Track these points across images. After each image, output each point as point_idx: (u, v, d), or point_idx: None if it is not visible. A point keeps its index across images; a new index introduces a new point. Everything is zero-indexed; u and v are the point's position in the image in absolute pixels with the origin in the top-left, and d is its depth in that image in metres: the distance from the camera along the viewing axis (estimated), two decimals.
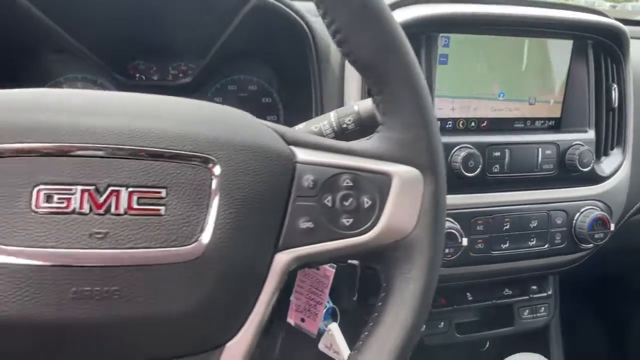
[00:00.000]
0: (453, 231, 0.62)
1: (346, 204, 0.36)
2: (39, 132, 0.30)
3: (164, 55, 0.73)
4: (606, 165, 0.73)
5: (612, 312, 0.93)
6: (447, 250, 0.62)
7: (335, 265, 0.54)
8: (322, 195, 0.35)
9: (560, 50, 0.72)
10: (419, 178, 0.37)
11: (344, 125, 0.49)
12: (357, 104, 0.49)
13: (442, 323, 0.80)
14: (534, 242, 0.69)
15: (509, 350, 0.86)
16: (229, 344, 0.34)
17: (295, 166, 0.35)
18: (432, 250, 0.37)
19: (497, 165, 0.67)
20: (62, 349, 0.31)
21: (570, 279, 0.85)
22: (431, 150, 0.37)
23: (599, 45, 0.71)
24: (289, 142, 0.36)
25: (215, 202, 0.32)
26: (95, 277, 0.29)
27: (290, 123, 0.44)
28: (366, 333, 0.38)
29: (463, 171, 0.62)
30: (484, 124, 0.71)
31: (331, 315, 0.57)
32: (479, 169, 0.64)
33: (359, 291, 0.64)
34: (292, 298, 0.57)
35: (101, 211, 0.30)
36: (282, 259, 0.35)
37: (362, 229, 0.36)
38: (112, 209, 0.30)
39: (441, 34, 0.65)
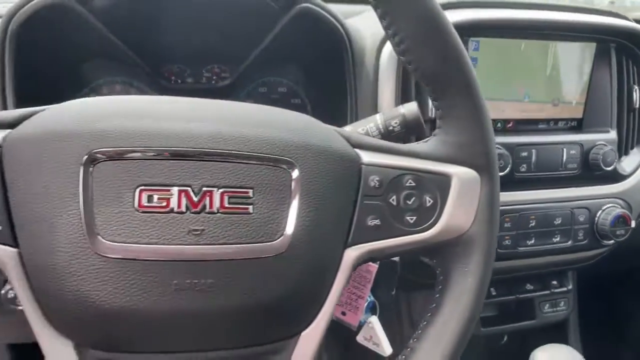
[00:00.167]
0: None
1: (409, 202, 0.38)
2: (141, 137, 0.32)
3: (199, 58, 0.75)
4: (627, 164, 0.76)
5: (627, 306, 0.96)
6: None
7: (378, 262, 0.56)
8: (387, 194, 0.38)
9: (584, 53, 0.74)
10: (476, 178, 0.40)
11: (390, 128, 0.51)
12: (403, 107, 0.52)
13: None
14: (558, 239, 0.72)
15: (527, 343, 0.88)
16: (304, 333, 0.36)
17: (361, 168, 0.38)
18: (489, 246, 0.40)
19: (525, 165, 0.69)
20: (164, 336, 0.33)
21: (587, 275, 0.88)
22: (487, 152, 0.40)
23: (621, 48, 0.74)
24: (354, 145, 0.39)
25: (295, 202, 0.34)
26: (194, 270, 0.32)
27: None
28: (425, 322, 0.40)
29: None
30: (510, 125, 0.74)
31: (370, 309, 0.59)
32: (508, 169, 0.67)
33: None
34: None
35: (197, 210, 0.32)
36: (351, 254, 0.37)
37: (425, 226, 0.39)
38: (207, 208, 0.32)
39: (471, 39, 0.67)
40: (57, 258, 0.31)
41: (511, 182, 0.69)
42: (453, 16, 0.65)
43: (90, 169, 0.32)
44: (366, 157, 0.38)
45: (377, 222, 0.38)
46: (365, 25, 0.68)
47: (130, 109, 0.34)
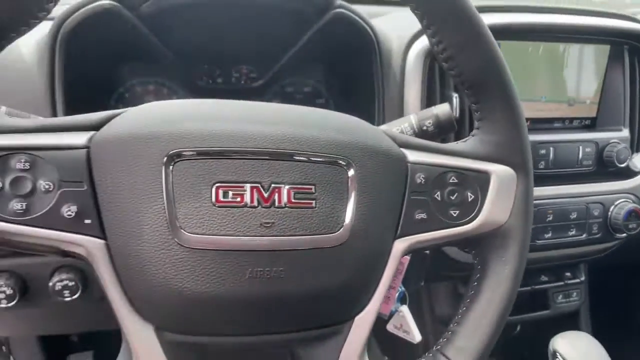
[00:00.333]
0: None
1: (453, 198, 0.42)
2: (216, 138, 0.35)
3: (229, 59, 0.78)
4: (638, 160, 0.80)
5: (636, 297, 1.00)
6: None
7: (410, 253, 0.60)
8: (432, 190, 0.41)
9: (598, 55, 0.78)
10: (512, 176, 0.43)
11: (424, 128, 0.55)
12: (436, 108, 0.55)
13: None
14: (573, 232, 0.76)
15: (540, 333, 0.92)
16: (358, 317, 0.40)
17: (407, 166, 0.41)
18: (524, 237, 0.43)
19: (543, 162, 0.73)
20: (236, 320, 0.36)
21: (598, 267, 0.92)
22: (523, 152, 0.43)
23: (634, 50, 0.77)
24: (400, 145, 0.42)
25: (352, 197, 0.38)
26: (266, 259, 0.35)
27: None
28: (464, 308, 0.44)
29: None
30: (527, 124, 0.77)
31: (400, 299, 0.63)
32: None
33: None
34: None
35: (267, 204, 0.35)
36: (400, 245, 0.41)
37: (466, 219, 0.42)
38: (276, 203, 0.36)
39: None
40: (143, 249, 0.34)
41: None
42: None
43: (171, 167, 0.35)
44: (412, 156, 0.42)
45: (423, 215, 0.41)
46: (391, 28, 0.71)
47: (204, 112, 0.37)
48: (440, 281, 0.85)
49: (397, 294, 0.61)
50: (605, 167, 0.76)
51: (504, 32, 0.70)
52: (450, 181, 0.42)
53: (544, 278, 0.86)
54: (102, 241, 0.35)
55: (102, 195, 0.35)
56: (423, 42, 0.67)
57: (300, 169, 0.37)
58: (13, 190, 0.33)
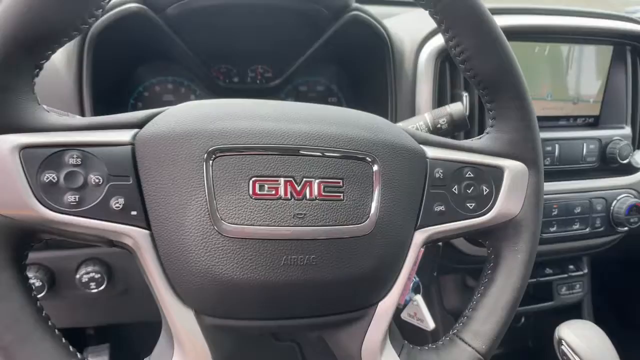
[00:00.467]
0: None
1: (469, 191, 0.45)
2: (252, 135, 0.38)
3: (245, 59, 0.81)
4: (639, 157, 0.83)
5: (636, 289, 1.04)
6: None
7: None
8: (450, 184, 0.44)
9: (601, 55, 0.81)
10: (524, 170, 0.46)
11: (438, 125, 0.58)
12: (449, 107, 0.58)
13: None
14: (577, 226, 0.79)
15: (544, 324, 0.96)
16: (381, 302, 0.43)
17: (427, 161, 0.44)
18: (535, 228, 0.46)
19: (549, 158, 0.76)
20: (271, 305, 0.39)
21: (600, 260, 0.95)
22: (534, 148, 0.46)
23: (636, 51, 0.80)
24: (419, 142, 0.45)
25: (377, 191, 0.40)
26: (299, 248, 0.38)
27: None
28: (479, 295, 0.47)
29: None
30: None
31: (414, 289, 0.66)
32: None
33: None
34: None
35: (300, 197, 0.38)
36: (420, 236, 0.43)
37: (482, 211, 0.45)
38: (307, 196, 0.38)
39: None
40: (186, 238, 0.37)
41: None
42: None
43: (211, 162, 0.37)
44: (430, 152, 0.44)
45: (442, 208, 0.44)
46: (403, 29, 0.74)
47: (240, 111, 0.40)
48: (450, 273, 0.88)
49: (411, 284, 0.64)
50: (608, 164, 0.79)
51: (513, 34, 0.73)
52: (467, 176, 0.45)
53: (548, 270, 0.90)
54: (147, 231, 0.37)
55: (147, 188, 0.37)
56: (434, 43, 0.69)
57: (329, 164, 0.39)
58: (67, 183, 0.36)
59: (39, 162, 0.35)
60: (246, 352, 0.42)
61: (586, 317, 0.96)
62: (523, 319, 1.01)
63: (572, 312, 0.95)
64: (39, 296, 0.67)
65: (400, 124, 0.57)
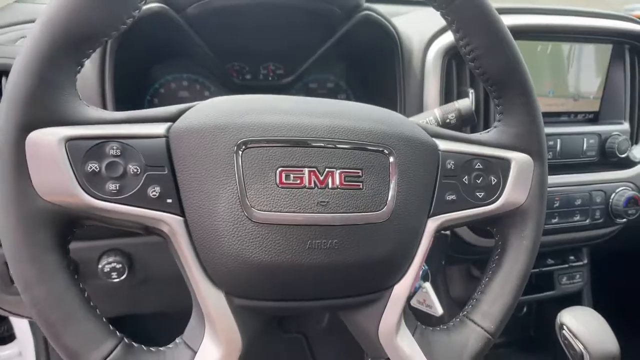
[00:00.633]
0: None
1: (478, 181, 0.48)
2: (278, 129, 0.41)
3: (258, 57, 0.83)
4: (637, 151, 0.86)
5: (634, 279, 1.07)
6: None
7: None
8: (461, 175, 0.47)
9: (601, 54, 0.84)
10: (530, 162, 0.49)
11: (447, 120, 0.60)
12: (457, 103, 0.61)
13: None
14: (577, 217, 0.82)
15: (545, 313, 0.99)
16: (397, 285, 0.46)
17: (439, 154, 0.47)
18: (539, 216, 0.49)
19: (550, 153, 0.79)
20: (296, 287, 0.42)
21: (600, 251, 0.98)
22: (539, 141, 0.49)
23: (635, 49, 0.83)
24: (432, 135, 0.48)
25: (393, 181, 0.43)
26: (322, 233, 0.41)
27: None
28: (487, 279, 0.50)
29: None
30: None
31: (423, 277, 0.69)
32: None
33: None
34: None
35: (323, 186, 0.41)
36: (432, 224, 0.46)
37: (490, 200, 0.48)
38: (330, 185, 0.41)
39: None
40: (218, 224, 0.39)
41: None
42: None
43: (240, 153, 0.40)
44: (442, 145, 0.47)
45: (453, 197, 0.47)
46: (411, 28, 0.76)
47: (266, 106, 0.43)
48: (455, 264, 0.91)
49: (421, 272, 0.67)
50: (607, 158, 0.82)
51: (517, 33, 0.75)
52: (476, 167, 0.48)
53: (550, 261, 0.93)
54: (181, 218, 0.40)
55: (181, 178, 0.40)
56: (441, 41, 0.72)
57: (349, 155, 0.42)
58: (108, 173, 0.38)
59: (83, 153, 0.38)
60: (254, 344, 0.45)
61: (586, 306, 0.99)
62: (525, 309, 1.05)
63: (573, 301, 0.99)
64: None
65: (412, 119, 0.59)
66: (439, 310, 0.66)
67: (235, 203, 0.39)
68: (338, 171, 0.41)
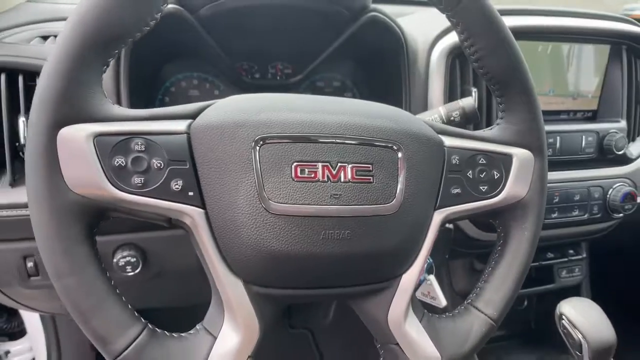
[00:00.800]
0: None
1: (482, 176, 0.50)
2: (293, 125, 0.43)
3: (266, 56, 0.85)
4: (634, 149, 0.89)
5: (631, 273, 1.10)
6: None
7: None
8: (465, 170, 0.50)
9: (599, 54, 0.86)
10: (530, 157, 0.52)
11: (452, 118, 0.63)
12: (461, 102, 0.63)
13: None
14: (576, 212, 0.84)
15: (545, 306, 1.01)
16: (404, 275, 0.48)
17: (444, 149, 0.49)
18: (540, 209, 0.52)
19: (550, 149, 0.81)
20: (310, 275, 0.44)
21: (598, 245, 1.01)
22: (539, 138, 0.52)
23: (631, 49, 0.86)
24: (438, 132, 0.50)
25: (401, 175, 0.46)
26: (336, 224, 0.43)
27: None
28: (490, 268, 0.52)
29: None
30: None
31: (428, 270, 0.71)
32: None
33: None
34: None
35: (335, 180, 0.43)
36: (438, 216, 0.49)
37: (493, 193, 0.50)
38: (342, 179, 0.43)
39: None
40: (238, 216, 0.41)
41: None
42: None
43: (258, 149, 0.42)
44: (448, 141, 0.50)
45: (458, 190, 0.49)
46: (416, 28, 0.79)
47: (282, 104, 0.45)
48: (458, 258, 0.94)
49: (425, 265, 0.70)
50: (605, 155, 0.85)
51: (519, 33, 0.78)
52: (480, 162, 0.50)
53: (549, 255, 0.96)
54: (202, 210, 0.42)
55: (202, 172, 0.42)
56: (445, 42, 0.74)
57: (360, 151, 0.44)
58: (133, 167, 0.40)
59: (110, 148, 0.40)
60: (261, 340, 0.47)
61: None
62: (526, 302, 1.07)
63: (572, 293, 1.01)
64: None
65: (418, 116, 0.62)
66: (442, 301, 0.68)
67: (253, 196, 0.41)
68: (350, 166, 0.44)
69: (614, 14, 0.84)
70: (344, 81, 0.90)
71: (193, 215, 0.42)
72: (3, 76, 0.61)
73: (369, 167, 0.44)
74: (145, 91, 0.81)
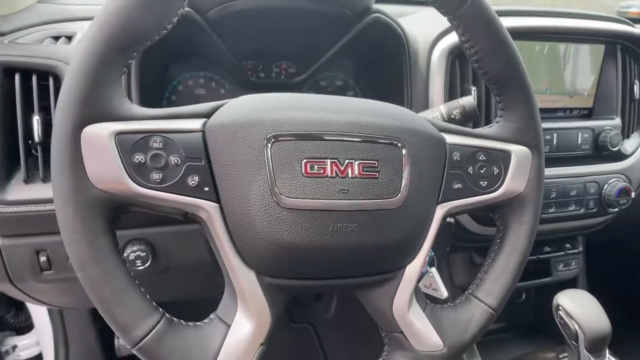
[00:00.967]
0: None
1: (482, 172, 0.52)
2: (303, 124, 0.45)
3: (271, 56, 0.87)
4: (628, 145, 0.91)
5: (626, 266, 1.13)
6: None
7: None
8: (466, 166, 0.52)
9: (595, 53, 0.88)
10: (528, 154, 0.54)
11: (452, 116, 0.65)
12: (462, 100, 0.65)
13: None
14: (573, 207, 0.87)
15: (542, 299, 1.04)
16: (408, 266, 0.50)
17: (446, 146, 0.52)
18: (537, 203, 0.54)
19: (547, 146, 0.84)
20: (320, 266, 0.47)
21: (594, 239, 1.03)
22: (537, 135, 0.54)
23: (626, 49, 0.88)
24: (440, 130, 0.52)
25: (406, 171, 0.48)
26: (344, 217, 0.45)
27: None
28: (489, 260, 0.55)
29: None
30: None
31: (429, 263, 0.74)
32: None
33: None
34: None
35: (343, 176, 0.45)
36: (440, 210, 0.51)
37: (493, 188, 0.53)
38: (349, 174, 0.45)
39: None
40: (251, 210, 0.43)
41: None
42: None
43: (269, 146, 0.44)
44: (449, 138, 0.52)
45: (459, 185, 0.51)
46: (417, 28, 0.80)
47: (292, 103, 0.47)
48: (458, 252, 0.96)
49: (427, 258, 0.72)
50: (600, 151, 0.88)
51: (516, 34, 0.79)
52: (480, 158, 0.52)
53: (547, 249, 0.98)
54: (217, 205, 0.44)
55: (217, 168, 0.44)
56: (446, 42, 0.77)
57: (367, 148, 0.46)
58: (152, 164, 0.42)
59: (130, 145, 0.42)
60: (272, 328, 0.49)
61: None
62: (524, 295, 1.10)
63: (569, 286, 1.03)
64: None
65: (420, 114, 0.64)
66: (444, 293, 0.71)
67: (265, 191, 0.43)
68: (357, 162, 0.46)
69: (609, 15, 0.87)
70: (347, 80, 0.92)
71: (208, 209, 0.44)
72: (17, 76, 0.63)
73: (375, 164, 0.46)
74: (153, 90, 0.83)
